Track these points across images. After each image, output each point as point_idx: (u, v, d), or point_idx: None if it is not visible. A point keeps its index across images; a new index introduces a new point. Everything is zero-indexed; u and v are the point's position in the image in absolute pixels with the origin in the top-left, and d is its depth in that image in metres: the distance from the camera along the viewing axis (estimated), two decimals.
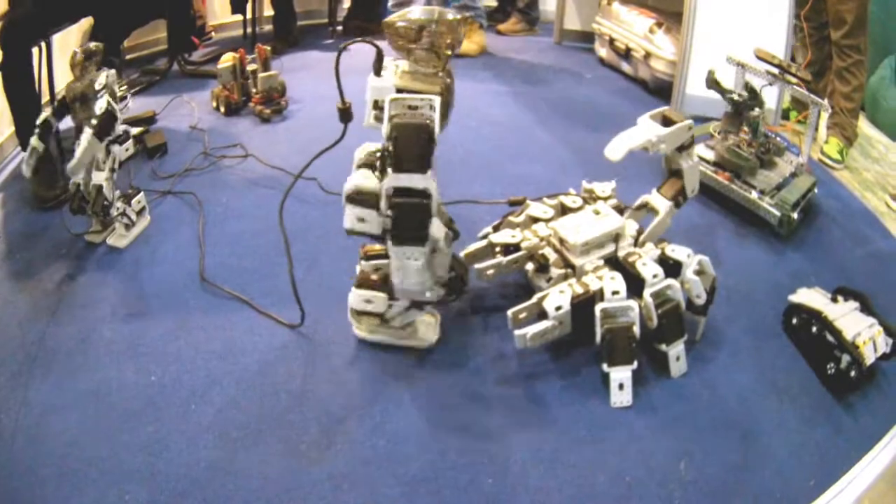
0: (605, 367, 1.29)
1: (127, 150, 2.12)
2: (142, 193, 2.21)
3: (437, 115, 1.20)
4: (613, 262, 1.39)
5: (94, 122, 1.96)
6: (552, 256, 1.43)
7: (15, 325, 1.79)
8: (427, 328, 1.50)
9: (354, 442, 1.40)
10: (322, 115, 2.79)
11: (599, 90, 3.10)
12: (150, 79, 3.35)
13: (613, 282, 1.29)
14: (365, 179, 1.32)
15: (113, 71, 2.07)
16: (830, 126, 2.72)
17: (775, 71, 2.01)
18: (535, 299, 1.34)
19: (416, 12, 1.30)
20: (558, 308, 1.28)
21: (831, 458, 1.29)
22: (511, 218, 1.59)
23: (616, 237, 1.42)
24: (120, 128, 2.09)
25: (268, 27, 4.02)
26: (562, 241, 1.44)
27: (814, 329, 1.41)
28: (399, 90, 1.25)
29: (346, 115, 1.33)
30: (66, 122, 2.14)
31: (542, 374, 1.41)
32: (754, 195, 1.82)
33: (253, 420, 1.44)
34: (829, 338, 1.37)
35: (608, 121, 2.52)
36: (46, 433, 1.42)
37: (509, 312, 1.34)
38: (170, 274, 1.94)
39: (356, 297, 1.47)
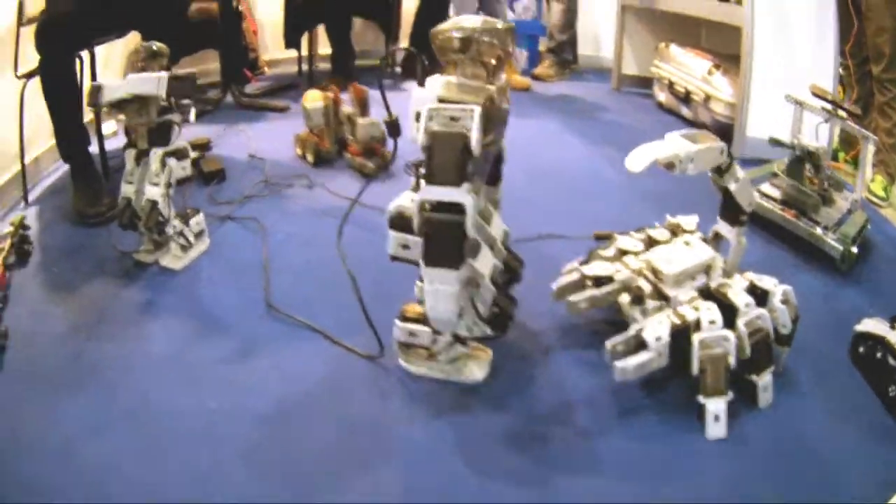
0: (700, 398, 1.27)
1: (184, 168, 2.00)
2: (201, 215, 2.09)
3: (475, 125, 1.16)
4: (705, 294, 1.39)
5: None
6: (647, 288, 1.42)
7: (48, 340, 1.68)
8: (476, 365, 1.46)
9: (441, 481, 1.26)
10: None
11: (658, 133, 3.01)
12: (202, 107, 3.25)
13: (710, 312, 1.29)
14: (410, 202, 1.27)
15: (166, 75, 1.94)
16: (875, 163, 2.75)
17: (829, 107, 2.08)
18: (632, 331, 1.33)
19: (462, 21, 1.29)
20: (658, 338, 1.27)
21: None
22: (600, 251, 1.58)
23: (707, 268, 1.44)
24: (180, 142, 1.99)
25: (323, 65, 3.98)
26: (655, 272, 1.44)
27: (878, 355, 1.43)
28: (441, 101, 1.23)
29: (394, 128, 1.37)
30: (114, 143, 2.11)
31: (636, 410, 1.37)
32: (819, 231, 1.90)
33: (329, 454, 1.33)
34: (892, 361, 1.40)
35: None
36: (80, 453, 1.32)
37: (608, 344, 1.31)
38: (231, 299, 1.85)
39: (400, 330, 1.44)
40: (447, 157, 1.17)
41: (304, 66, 3.94)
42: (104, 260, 2.03)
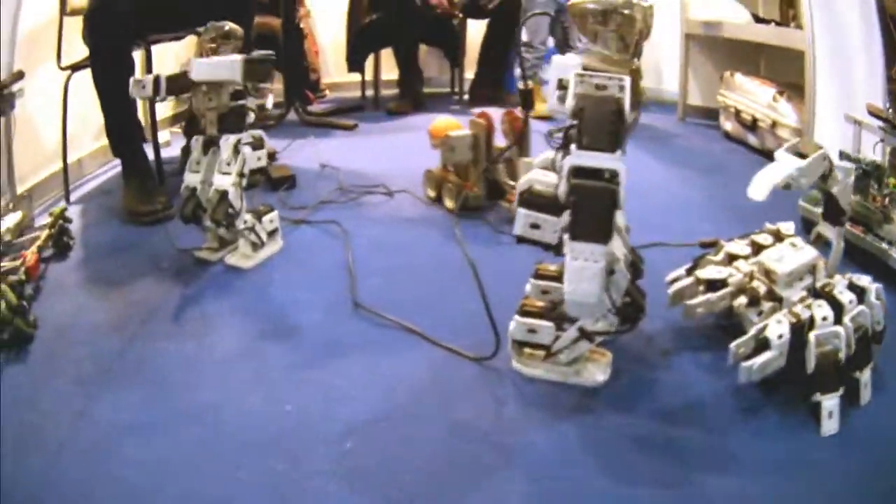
0: (817, 395, 1.25)
1: (259, 158, 1.77)
2: (275, 213, 1.84)
3: (626, 93, 1.13)
4: (814, 293, 1.40)
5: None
6: (762, 289, 1.43)
7: (86, 333, 1.46)
8: (595, 367, 1.36)
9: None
10: None
11: (728, 158, 3.06)
12: (264, 123, 3.00)
13: (822, 308, 1.30)
14: (542, 176, 1.23)
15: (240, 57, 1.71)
16: None
17: (884, 125, 2.07)
18: (752, 332, 1.31)
19: None
20: (780, 336, 1.27)
21: None
22: (710, 257, 1.59)
23: (812, 269, 1.45)
24: (256, 132, 1.78)
25: (386, 92, 3.79)
26: (768, 273, 1.45)
27: None
28: (585, 69, 1.18)
29: (527, 97, 1.41)
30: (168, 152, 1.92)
31: (755, 410, 1.28)
32: (884, 245, 1.90)
33: (438, 463, 1.11)
34: None
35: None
36: (118, 455, 1.11)
37: (732, 346, 1.29)
38: (310, 300, 1.61)
39: (518, 327, 1.33)
40: (600, 121, 1.12)
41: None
42: (159, 257, 1.79)
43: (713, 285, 1.50)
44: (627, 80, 1.13)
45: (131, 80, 1.70)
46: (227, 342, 1.42)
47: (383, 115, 3.47)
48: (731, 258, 1.58)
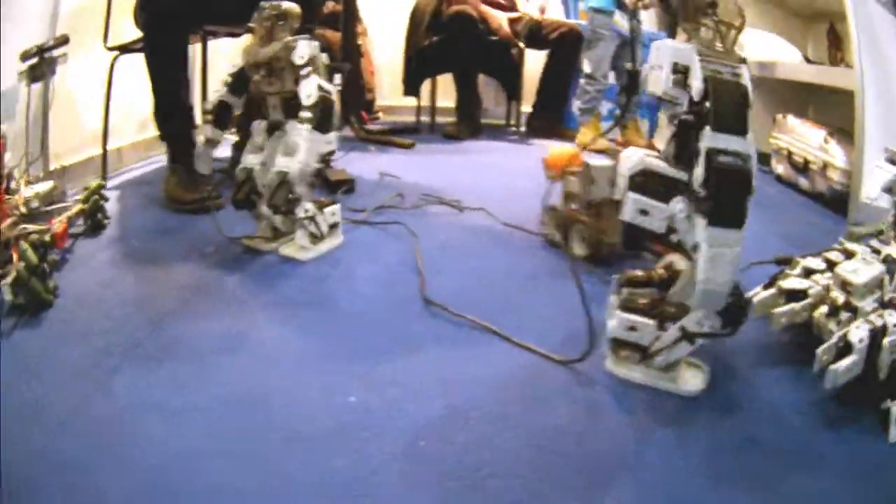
0: (887, 402, 1.24)
1: (329, 142, 1.59)
2: (338, 206, 1.65)
3: (748, 82, 1.14)
4: (882, 304, 1.44)
5: (306, 114, 1.51)
6: (840, 300, 1.46)
7: (113, 306, 1.28)
8: (692, 375, 1.29)
9: None
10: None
11: (780, 198, 3.01)
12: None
13: (892, 317, 1.34)
14: (656, 159, 1.20)
15: (317, 43, 1.57)
16: None
17: None
18: (834, 339, 1.31)
19: None
20: (861, 340, 1.28)
21: None
22: (787, 272, 1.58)
23: (881, 282, 1.48)
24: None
25: (441, 119, 3.61)
26: (845, 284, 1.46)
27: None
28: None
29: (635, 80, 1.28)
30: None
31: (840, 418, 1.23)
32: None
33: (523, 470, 0.95)
34: None
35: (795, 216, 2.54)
36: (127, 433, 0.93)
37: (818, 351, 1.28)
38: (375, 294, 1.44)
39: (620, 323, 1.25)
40: (731, 105, 1.12)
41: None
42: (203, 243, 1.60)
43: (794, 296, 1.53)
44: (745, 69, 1.14)
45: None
46: (278, 329, 1.22)
47: (439, 139, 3.31)
48: (807, 272, 1.60)
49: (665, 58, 1.18)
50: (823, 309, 1.50)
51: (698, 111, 1.13)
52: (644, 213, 1.18)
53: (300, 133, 1.49)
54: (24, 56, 1.75)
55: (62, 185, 1.73)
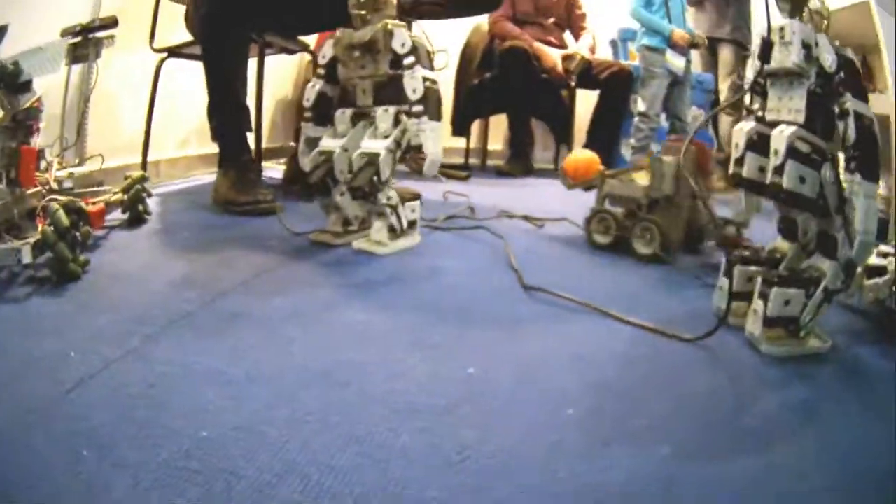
0: None
1: (417, 132, 1.41)
2: (419, 202, 1.48)
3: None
4: None
5: (418, 107, 1.38)
6: None
7: (155, 283, 1.07)
8: (819, 342, 1.17)
9: None
10: None
11: None
12: None
13: None
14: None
15: (424, 41, 1.43)
16: None
17: None
18: None
19: None
20: None
21: None
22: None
23: None
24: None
25: (491, 162, 3.47)
26: None
27: None
28: None
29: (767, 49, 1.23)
30: None
31: None
32: None
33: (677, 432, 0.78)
34: None
35: None
36: (160, 399, 0.70)
37: None
38: (467, 283, 1.25)
39: (777, 299, 1.13)
40: (859, 73, 1.19)
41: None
42: (263, 238, 1.40)
43: (876, 271, 1.54)
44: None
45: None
46: (360, 306, 1.02)
47: (492, 176, 3.12)
48: (883, 254, 1.63)
49: (796, 36, 1.23)
50: None
51: (827, 83, 1.18)
52: (762, 169, 1.21)
53: (421, 125, 1.35)
54: (65, 33, 1.56)
55: (99, 173, 1.51)
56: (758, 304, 1.21)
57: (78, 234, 1.02)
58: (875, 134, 1.17)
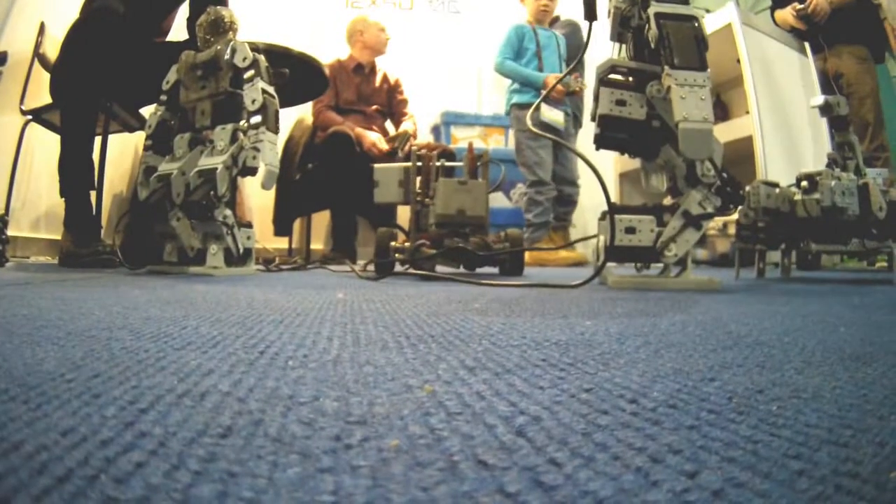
0: None
1: (255, 157, 1.48)
2: (253, 230, 1.67)
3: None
4: None
5: (257, 118, 1.48)
6: None
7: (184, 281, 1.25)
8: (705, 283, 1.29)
9: None
10: None
11: None
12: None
13: None
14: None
15: (262, 57, 1.58)
16: None
17: None
18: None
19: None
20: None
21: None
22: None
23: None
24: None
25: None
26: None
27: None
28: None
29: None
30: None
31: None
32: None
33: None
34: None
35: None
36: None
37: None
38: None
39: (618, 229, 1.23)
40: None
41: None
42: (119, 272, 1.53)
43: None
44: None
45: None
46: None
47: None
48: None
49: None
50: None
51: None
52: (621, 103, 1.21)
53: (259, 136, 1.44)
54: None
55: None
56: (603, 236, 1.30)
57: None
58: (687, 29, 1.14)
